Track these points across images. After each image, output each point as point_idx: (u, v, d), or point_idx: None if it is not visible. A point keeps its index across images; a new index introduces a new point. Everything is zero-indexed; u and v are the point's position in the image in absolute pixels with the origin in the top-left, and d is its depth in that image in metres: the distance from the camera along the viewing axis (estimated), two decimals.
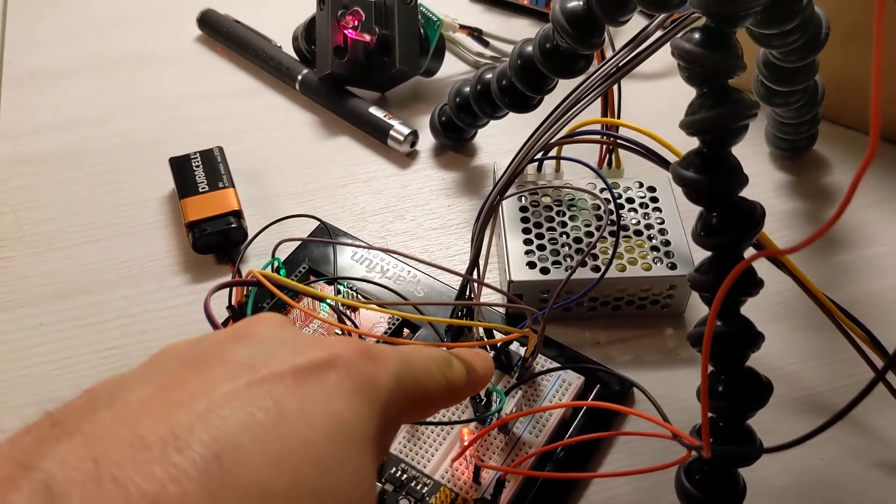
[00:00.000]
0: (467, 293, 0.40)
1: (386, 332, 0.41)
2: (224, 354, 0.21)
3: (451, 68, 0.59)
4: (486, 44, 0.58)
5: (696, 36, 0.32)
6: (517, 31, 0.61)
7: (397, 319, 0.42)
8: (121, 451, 0.17)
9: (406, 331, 0.42)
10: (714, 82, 0.32)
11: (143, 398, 0.19)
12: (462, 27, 0.57)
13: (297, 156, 0.53)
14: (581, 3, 0.39)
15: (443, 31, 0.55)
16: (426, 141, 0.54)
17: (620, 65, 0.37)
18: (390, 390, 0.22)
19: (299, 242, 0.46)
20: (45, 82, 0.58)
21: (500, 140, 0.54)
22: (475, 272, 0.38)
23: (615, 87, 0.44)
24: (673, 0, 0.35)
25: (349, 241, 0.46)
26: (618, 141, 0.43)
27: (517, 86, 0.44)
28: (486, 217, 0.37)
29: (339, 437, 0.19)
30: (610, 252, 0.42)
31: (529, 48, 0.43)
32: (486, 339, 0.39)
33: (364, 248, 0.46)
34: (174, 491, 0.17)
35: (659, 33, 0.38)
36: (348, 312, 0.40)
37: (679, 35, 0.33)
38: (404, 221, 0.49)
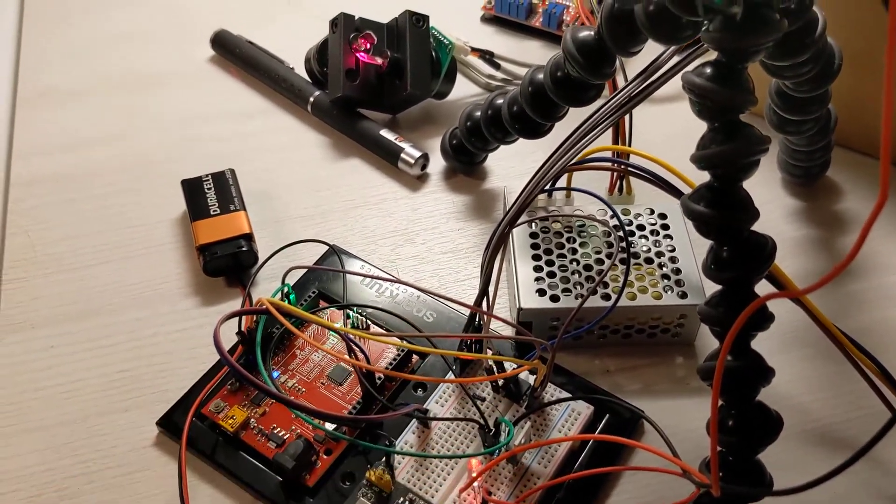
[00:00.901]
0: (476, 322, 0.40)
1: (394, 360, 0.41)
2: None
3: (463, 90, 0.59)
4: (497, 66, 0.58)
5: (708, 70, 0.32)
6: (529, 53, 0.61)
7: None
8: None
9: (415, 358, 0.42)
10: (725, 117, 0.32)
11: None
12: (474, 50, 0.57)
13: (308, 178, 0.54)
14: (592, 33, 0.39)
15: (454, 54, 0.55)
16: (437, 164, 0.54)
17: (633, 94, 0.37)
18: None
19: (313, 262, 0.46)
20: (58, 102, 0.59)
21: (510, 163, 0.54)
22: (484, 302, 0.38)
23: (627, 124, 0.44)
24: (684, 33, 0.35)
25: (358, 271, 0.46)
26: (628, 168, 0.43)
27: (528, 113, 0.44)
28: (496, 247, 0.37)
29: None
30: (620, 280, 0.42)
31: (540, 76, 0.43)
32: (495, 369, 0.39)
33: (373, 278, 0.46)
34: None
35: (673, 61, 0.38)
36: (357, 340, 0.40)
37: (690, 69, 0.33)
38: (414, 245, 0.49)
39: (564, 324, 0.39)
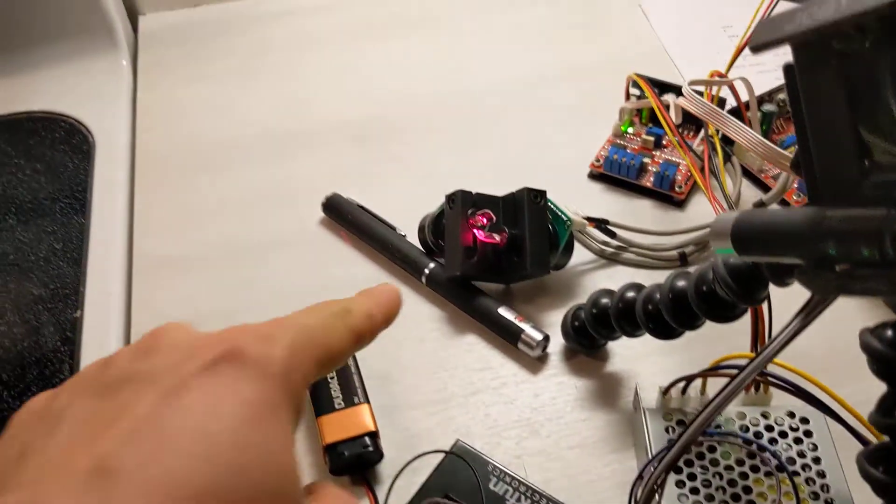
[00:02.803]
0: None
1: None
2: (131, 376, 0.24)
3: (576, 257, 0.58)
4: (612, 235, 0.58)
5: (888, 334, 0.30)
6: (639, 214, 0.60)
7: None
8: (56, 487, 0.21)
9: None
10: None
11: (69, 437, 0.23)
12: (589, 220, 0.57)
13: (426, 357, 0.53)
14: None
15: (572, 228, 0.54)
16: (555, 341, 0.53)
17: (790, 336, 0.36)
18: (287, 360, 0.25)
19: (437, 463, 0.45)
20: (172, 272, 0.59)
21: (631, 343, 0.52)
22: None
23: (766, 314, 0.43)
24: None
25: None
26: (769, 379, 0.42)
27: (665, 317, 0.43)
28: (649, 496, 0.36)
29: (248, 416, 0.23)
30: (770, 498, 0.41)
31: (682, 283, 0.42)
32: None
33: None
34: None
35: None
36: None
37: (869, 329, 0.31)
38: (539, 437, 0.48)
39: None
